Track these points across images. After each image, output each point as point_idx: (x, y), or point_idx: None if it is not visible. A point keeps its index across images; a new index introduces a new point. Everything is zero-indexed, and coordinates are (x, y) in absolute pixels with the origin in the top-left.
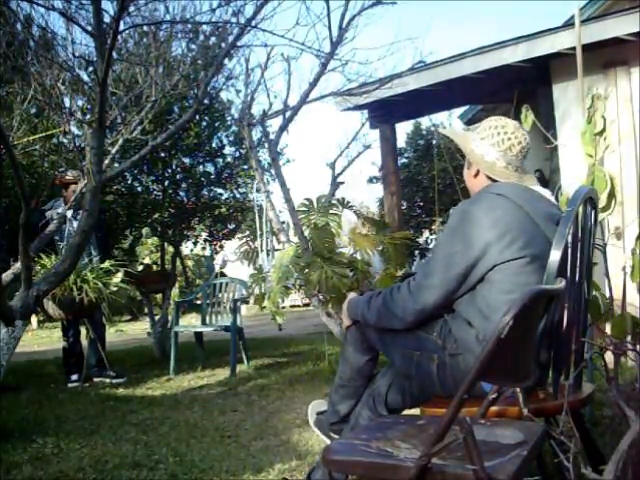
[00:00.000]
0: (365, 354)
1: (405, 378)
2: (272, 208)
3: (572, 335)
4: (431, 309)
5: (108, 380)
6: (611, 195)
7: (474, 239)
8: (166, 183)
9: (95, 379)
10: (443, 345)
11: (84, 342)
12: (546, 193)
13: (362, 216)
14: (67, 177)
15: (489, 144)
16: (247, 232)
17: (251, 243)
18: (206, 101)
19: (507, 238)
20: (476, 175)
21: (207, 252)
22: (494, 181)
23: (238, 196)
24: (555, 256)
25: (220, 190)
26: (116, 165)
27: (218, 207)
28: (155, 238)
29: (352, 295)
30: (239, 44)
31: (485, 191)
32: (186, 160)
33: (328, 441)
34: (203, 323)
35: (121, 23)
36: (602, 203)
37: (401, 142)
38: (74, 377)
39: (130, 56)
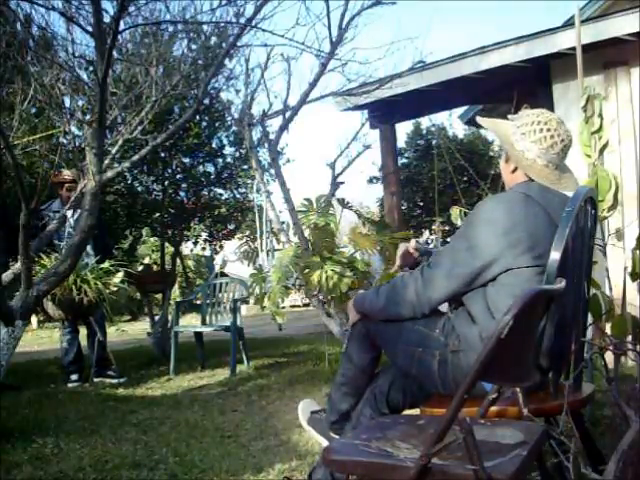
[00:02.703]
0: (368, 352)
1: (406, 376)
2: (272, 208)
3: (572, 335)
4: (442, 300)
5: (108, 380)
6: (615, 194)
7: (492, 240)
8: (166, 183)
9: (95, 379)
10: (445, 342)
11: (83, 342)
12: None
13: (362, 216)
14: (61, 176)
15: (530, 141)
16: (247, 232)
17: (251, 243)
18: (206, 101)
19: (526, 244)
20: (514, 171)
21: (207, 252)
22: (531, 179)
23: (238, 196)
24: (555, 256)
25: (220, 190)
26: (116, 165)
27: (218, 207)
28: (155, 238)
29: (360, 292)
30: (239, 44)
31: (516, 190)
32: (186, 160)
33: (324, 440)
34: (203, 323)
35: (121, 23)
36: (608, 203)
37: (401, 142)
38: (74, 377)
39: (130, 56)
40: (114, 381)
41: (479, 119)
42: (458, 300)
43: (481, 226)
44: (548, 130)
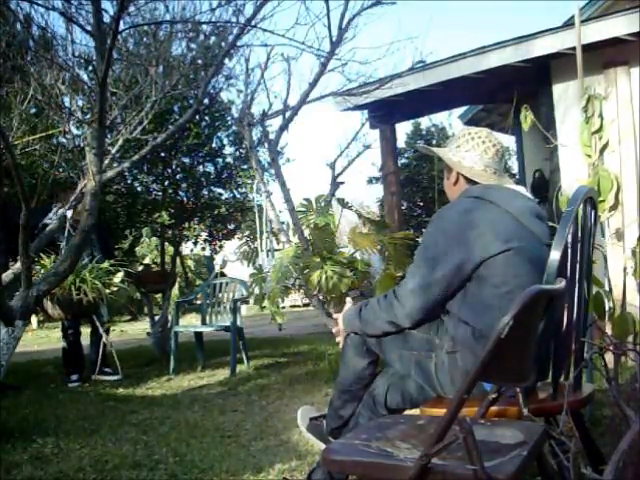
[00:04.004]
0: (365, 358)
1: (404, 378)
2: (272, 208)
3: (572, 335)
4: (421, 314)
5: (107, 378)
6: (616, 194)
7: (456, 241)
8: (166, 183)
9: (93, 377)
10: (440, 344)
11: (84, 342)
12: (521, 190)
13: (362, 216)
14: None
15: (464, 150)
16: (247, 232)
17: (251, 243)
18: (206, 101)
19: (488, 234)
20: (456, 183)
21: (207, 252)
22: (474, 183)
23: (238, 196)
24: (555, 256)
25: (220, 190)
26: (116, 165)
27: (218, 207)
28: (155, 238)
29: (348, 308)
30: (239, 44)
31: (461, 196)
32: (186, 160)
33: (323, 446)
34: (203, 323)
35: (121, 23)
36: (609, 203)
37: (401, 142)
38: (74, 377)
39: (130, 56)
40: (112, 378)
41: (417, 147)
42: (443, 307)
43: (440, 235)
44: (479, 138)
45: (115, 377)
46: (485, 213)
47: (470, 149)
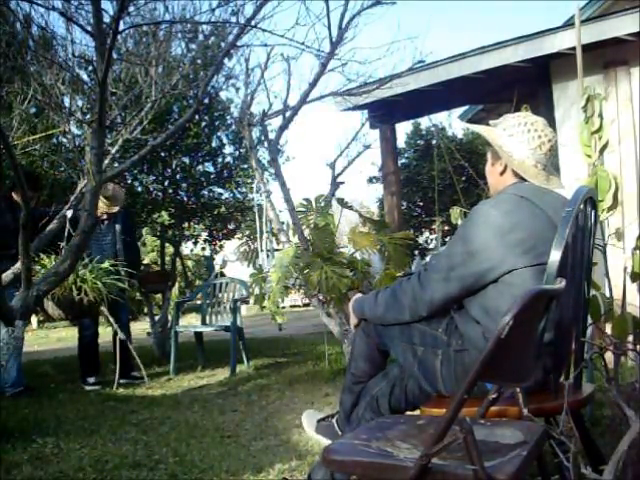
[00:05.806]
0: (375, 349)
1: (406, 379)
2: (272, 208)
3: (572, 335)
4: (440, 303)
5: (135, 382)
6: (615, 195)
7: (492, 243)
8: (166, 183)
9: (121, 381)
10: (448, 341)
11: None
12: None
13: (362, 216)
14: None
15: (518, 141)
16: (247, 232)
17: (251, 243)
18: (206, 101)
19: (527, 244)
20: (502, 173)
21: (207, 252)
22: (521, 179)
23: (238, 196)
24: (555, 256)
25: (220, 190)
26: (116, 165)
27: (218, 207)
28: (155, 238)
29: (358, 294)
30: (239, 44)
31: (508, 192)
32: (186, 160)
33: None
34: (203, 323)
35: (121, 23)
36: (607, 203)
37: (401, 142)
38: (91, 380)
39: (130, 56)
40: (139, 382)
41: (469, 125)
42: (458, 302)
43: (479, 230)
44: (535, 131)
45: (141, 381)
46: (529, 218)
47: (524, 141)
